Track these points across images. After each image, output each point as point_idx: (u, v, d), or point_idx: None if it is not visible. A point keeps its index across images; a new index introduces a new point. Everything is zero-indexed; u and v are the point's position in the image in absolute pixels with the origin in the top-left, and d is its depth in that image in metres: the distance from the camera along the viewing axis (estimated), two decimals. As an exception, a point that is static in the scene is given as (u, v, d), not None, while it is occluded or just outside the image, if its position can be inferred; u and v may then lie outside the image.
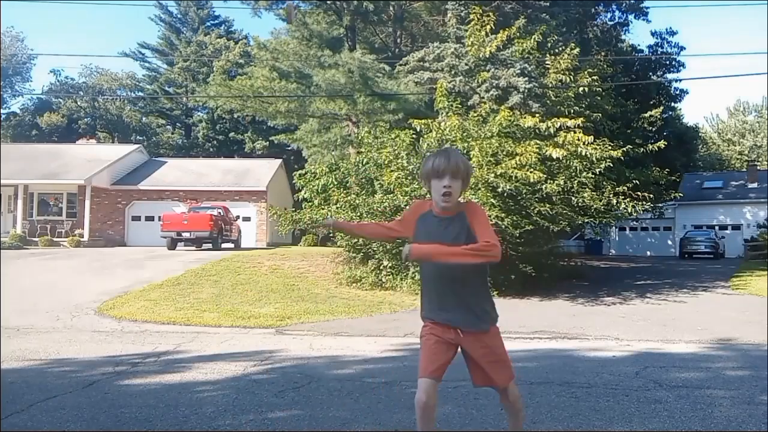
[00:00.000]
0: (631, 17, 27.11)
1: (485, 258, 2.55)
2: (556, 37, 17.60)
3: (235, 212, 24.75)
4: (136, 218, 26.75)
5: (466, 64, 16.14)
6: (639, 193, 13.67)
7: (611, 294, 12.80)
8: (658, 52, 28.83)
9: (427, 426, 2.60)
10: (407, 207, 12.29)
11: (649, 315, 9.69)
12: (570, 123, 13.13)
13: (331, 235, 16.54)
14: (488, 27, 15.32)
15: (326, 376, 5.27)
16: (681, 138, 35.43)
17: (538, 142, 12.63)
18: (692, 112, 79.23)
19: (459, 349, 2.76)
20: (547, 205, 12.17)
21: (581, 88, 15.73)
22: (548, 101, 15.81)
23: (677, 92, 31.54)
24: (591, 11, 24.02)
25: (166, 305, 9.89)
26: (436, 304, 2.73)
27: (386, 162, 12.92)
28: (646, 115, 26.45)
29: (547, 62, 16.03)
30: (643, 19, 26.76)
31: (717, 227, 33.71)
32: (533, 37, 15.26)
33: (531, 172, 11.59)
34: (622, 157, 13.72)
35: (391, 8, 23.71)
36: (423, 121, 14.19)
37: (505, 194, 11.82)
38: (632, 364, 5.75)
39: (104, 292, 11.00)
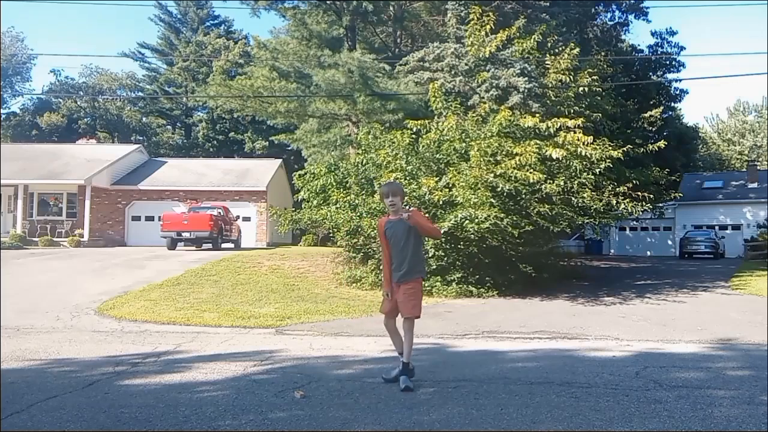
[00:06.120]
0: (631, 17, 27.12)
1: (434, 234, 5.63)
2: (556, 37, 17.57)
3: (235, 212, 24.75)
4: (136, 218, 26.76)
5: (466, 64, 16.13)
6: (639, 193, 13.65)
7: (611, 294, 12.79)
8: (658, 52, 28.82)
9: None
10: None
11: (649, 315, 9.68)
12: (570, 123, 13.10)
13: (331, 234, 16.55)
14: (488, 27, 15.30)
15: (326, 376, 5.27)
16: (681, 138, 35.42)
17: (537, 142, 12.60)
18: (692, 112, 79.39)
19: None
20: (547, 206, 12.16)
21: (581, 88, 15.70)
22: (548, 101, 15.79)
23: (677, 92, 31.57)
24: (591, 11, 24.00)
25: (166, 305, 9.88)
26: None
27: (385, 163, 12.92)
28: (646, 115, 26.44)
29: (547, 62, 16.00)
30: (643, 19, 26.78)
31: (717, 227, 33.71)
32: (533, 37, 15.24)
33: (531, 172, 11.57)
34: (622, 157, 13.68)
35: (391, 8, 23.70)
36: (420, 121, 14.19)
37: (505, 194, 11.82)
38: (632, 364, 5.75)
39: (104, 292, 10.99)
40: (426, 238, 12.20)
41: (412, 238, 4.87)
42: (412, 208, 5.13)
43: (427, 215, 12.17)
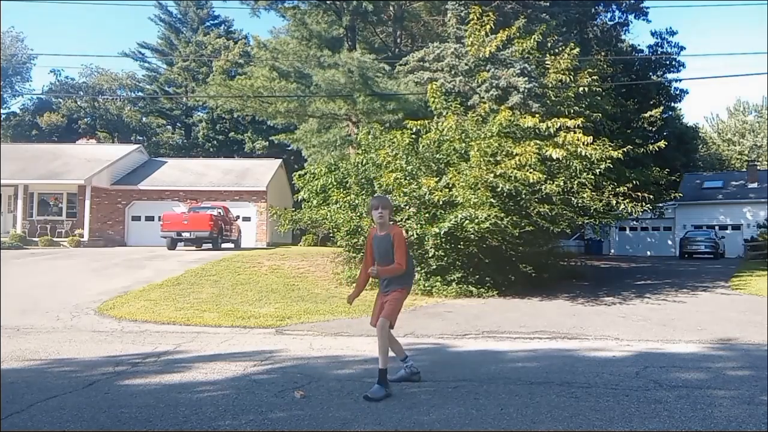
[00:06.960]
0: (631, 17, 27.12)
1: (397, 272, 4.94)
2: (556, 37, 17.57)
3: (235, 212, 24.76)
4: (136, 218, 26.76)
5: (466, 64, 16.12)
6: (639, 193, 13.65)
7: (611, 294, 12.79)
8: (658, 52, 28.82)
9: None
10: (410, 209, 12.47)
11: (649, 315, 9.68)
12: (570, 123, 13.09)
13: (331, 234, 16.55)
14: (488, 27, 15.29)
15: (326, 376, 5.28)
16: (681, 138, 35.41)
17: (537, 142, 12.60)
18: (692, 112, 79.33)
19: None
20: (547, 206, 12.15)
21: (581, 88, 15.69)
22: (548, 101, 15.77)
23: (677, 92, 31.54)
24: (591, 11, 23.98)
25: (166, 305, 9.88)
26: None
27: (385, 163, 12.91)
28: (646, 115, 26.41)
29: (547, 62, 15.98)
30: (643, 19, 26.78)
31: (717, 227, 33.71)
32: (533, 37, 15.23)
33: (531, 172, 11.56)
34: (622, 157, 13.68)
35: (391, 8, 23.69)
36: (420, 121, 14.18)
37: (505, 194, 11.81)
38: (632, 364, 5.76)
39: (104, 292, 11.00)
40: (424, 245, 12.35)
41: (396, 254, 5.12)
42: (394, 223, 5.55)
43: (427, 215, 12.26)
